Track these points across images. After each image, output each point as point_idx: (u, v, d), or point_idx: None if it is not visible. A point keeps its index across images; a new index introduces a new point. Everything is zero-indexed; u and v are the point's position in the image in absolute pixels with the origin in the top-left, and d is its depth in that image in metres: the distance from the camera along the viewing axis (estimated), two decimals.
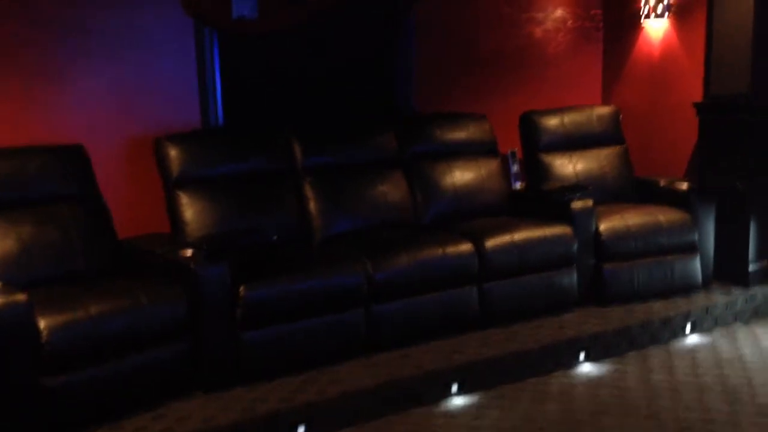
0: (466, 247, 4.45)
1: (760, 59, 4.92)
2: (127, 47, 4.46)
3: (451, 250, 4.40)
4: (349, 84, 5.33)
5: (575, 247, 4.74)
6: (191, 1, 4.52)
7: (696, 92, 5.40)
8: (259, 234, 4.13)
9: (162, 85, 4.60)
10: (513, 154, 5.69)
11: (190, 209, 4.23)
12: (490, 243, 4.51)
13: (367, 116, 5.25)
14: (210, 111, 4.72)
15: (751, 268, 5.08)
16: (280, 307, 3.85)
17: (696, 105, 5.37)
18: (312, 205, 4.61)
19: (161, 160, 4.34)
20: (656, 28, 5.75)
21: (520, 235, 4.61)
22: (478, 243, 4.49)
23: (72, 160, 4.06)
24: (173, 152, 4.32)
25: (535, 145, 5.51)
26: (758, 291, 5.04)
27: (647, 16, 5.71)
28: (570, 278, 4.76)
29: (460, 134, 5.25)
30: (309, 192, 4.63)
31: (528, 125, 5.54)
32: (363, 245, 4.39)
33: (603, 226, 4.88)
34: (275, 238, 4.09)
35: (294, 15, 4.84)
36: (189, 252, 3.75)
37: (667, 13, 5.62)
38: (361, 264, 4.13)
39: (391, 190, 4.88)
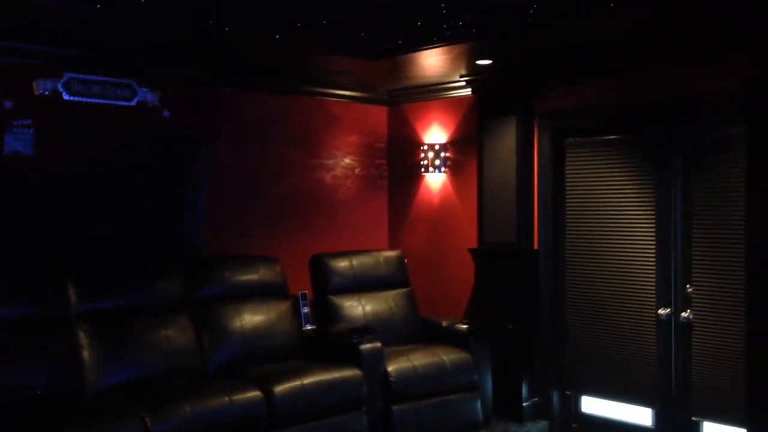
0: (254, 394, 4.31)
1: (524, 212, 5.48)
2: None
3: (238, 397, 4.23)
4: (133, 225, 5.13)
5: (365, 389, 4.77)
6: None
7: (472, 238, 5.86)
8: (20, 389, 3.70)
9: None
10: (303, 295, 5.71)
11: None
12: (280, 389, 4.41)
13: (152, 258, 5.04)
14: None
15: (525, 405, 5.40)
16: None
17: (471, 250, 5.80)
18: (86, 354, 4.26)
19: None
20: (435, 180, 6.25)
21: (309, 380, 4.56)
22: (266, 389, 4.37)
23: None
24: None
25: (325, 287, 5.60)
26: (532, 427, 5.35)
27: (427, 169, 6.20)
28: (360, 422, 4.73)
29: (249, 277, 5.22)
30: (83, 339, 4.29)
31: (318, 267, 5.64)
32: (142, 396, 4.10)
33: (391, 368, 4.97)
34: (39, 392, 3.69)
35: (75, 153, 4.66)
36: None
37: (444, 167, 6.14)
38: (139, 417, 3.83)
39: (176, 335, 4.66)
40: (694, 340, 4.68)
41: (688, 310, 4.71)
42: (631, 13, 4.01)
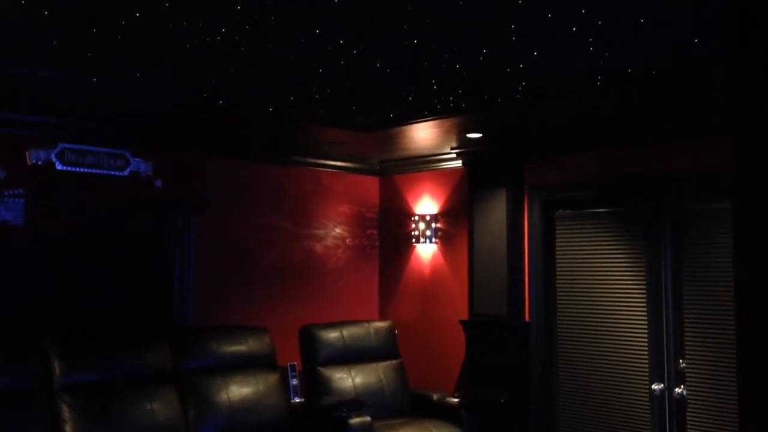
0: None
1: (514, 284, 5.46)
2: None
3: None
4: (123, 294, 5.07)
5: None
6: None
7: (463, 309, 5.81)
8: None
9: None
10: (292, 367, 5.62)
11: None
12: None
13: (140, 328, 4.97)
14: None
15: None
16: None
17: (462, 322, 5.75)
18: (68, 430, 4.14)
19: None
20: (426, 251, 6.25)
21: None
22: None
23: None
24: None
25: (315, 358, 5.52)
26: None
27: (418, 240, 6.21)
28: None
29: (238, 348, 5.14)
30: (66, 414, 4.18)
31: (307, 338, 5.57)
32: None
33: None
34: None
35: (66, 223, 4.65)
36: None
37: (434, 238, 6.15)
38: None
39: (162, 408, 4.55)
40: (688, 416, 4.61)
41: (682, 386, 4.64)
42: (618, 91, 4.10)
